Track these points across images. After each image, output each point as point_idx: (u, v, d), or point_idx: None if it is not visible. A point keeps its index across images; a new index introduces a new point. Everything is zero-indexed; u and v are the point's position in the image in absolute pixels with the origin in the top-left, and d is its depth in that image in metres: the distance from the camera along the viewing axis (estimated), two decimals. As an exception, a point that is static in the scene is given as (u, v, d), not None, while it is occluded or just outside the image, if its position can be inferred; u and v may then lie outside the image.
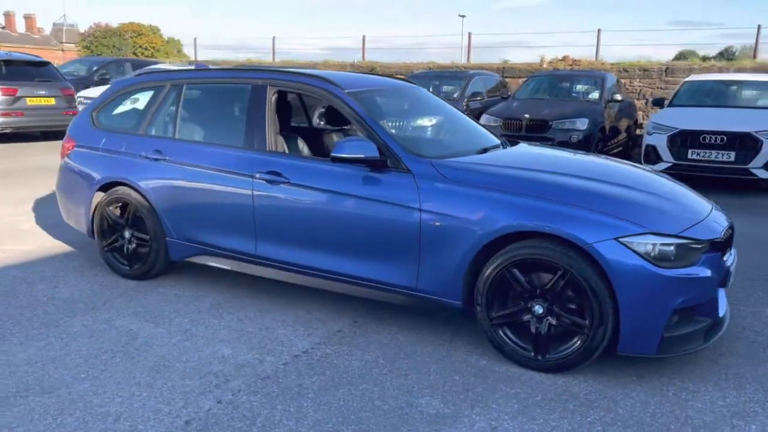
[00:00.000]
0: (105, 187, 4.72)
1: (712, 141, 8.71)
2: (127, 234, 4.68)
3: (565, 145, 9.61)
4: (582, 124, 9.93)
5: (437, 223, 3.46)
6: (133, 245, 4.66)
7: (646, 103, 14.17)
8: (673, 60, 17.60)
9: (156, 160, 4.46)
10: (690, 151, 8.85)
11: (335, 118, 4.77)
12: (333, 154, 3.66)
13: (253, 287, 4.55)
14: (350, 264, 3.81)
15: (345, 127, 5.10)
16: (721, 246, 3.33)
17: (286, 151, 4.25)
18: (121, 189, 4.62)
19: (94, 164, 4.77)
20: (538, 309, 3.29)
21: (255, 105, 4.19)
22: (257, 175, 4.01)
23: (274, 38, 22.36)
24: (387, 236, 3.63)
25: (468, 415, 2.92)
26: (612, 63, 15.47)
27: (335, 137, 5.12)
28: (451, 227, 3.43)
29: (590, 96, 11.39)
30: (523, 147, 4.50)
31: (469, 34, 18.25)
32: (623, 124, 11.96)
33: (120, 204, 4.67)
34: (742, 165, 8.57)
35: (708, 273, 3.19)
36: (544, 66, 15.67)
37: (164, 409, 2.93)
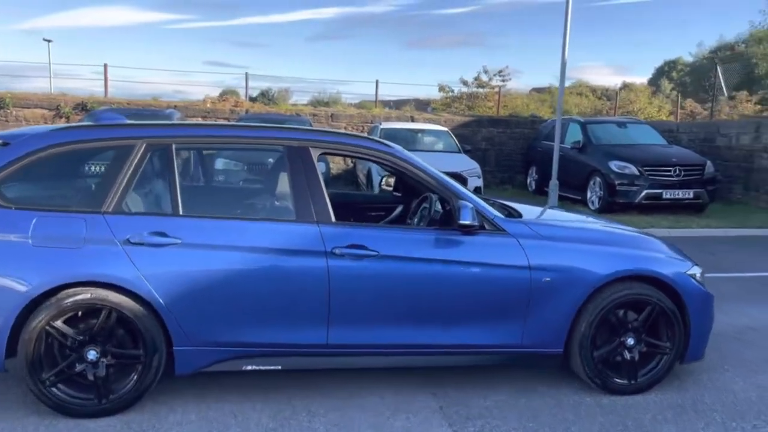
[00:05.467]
0: (47, 294, 3.19)
1: (433, 180, 10.41)
2: (91, 354, 3.27)
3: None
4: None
5: (547, 279, 3.68)
6: (103, 368, 3.28)
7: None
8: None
9: (158, 245, 3.28)
10: (417, 188, 10.38)
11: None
12: (462, 222, 3.48)
13: (276, 385, 3.78)
14: (449, 333, 3.65)
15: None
16: None
17: (353, 220, 3.72)
18: (85, 292, 3.21)
19: (20, 261, 3.17)
20: (630, 341, 3.85)
21: (301, 170, 3.55)
22: (336, 251, 3.43)
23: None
24: (494, 297, 3.65)
25: (666, 444, 3.31)
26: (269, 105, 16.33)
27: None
28: (561, 280, 3.69)
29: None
30: (529, 206, 4.77)
31: (105, 65, 16.52)
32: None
33: (78, 313, 3.24)
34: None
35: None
36: (209, 105, 15.52)
37: None
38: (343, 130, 4.56)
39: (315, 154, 3.64)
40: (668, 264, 3.91)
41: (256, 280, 3.38)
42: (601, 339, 3.85)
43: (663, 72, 43.73)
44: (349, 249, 3.46)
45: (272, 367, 3.54)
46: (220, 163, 6.05)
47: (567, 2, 10.59)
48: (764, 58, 21.73)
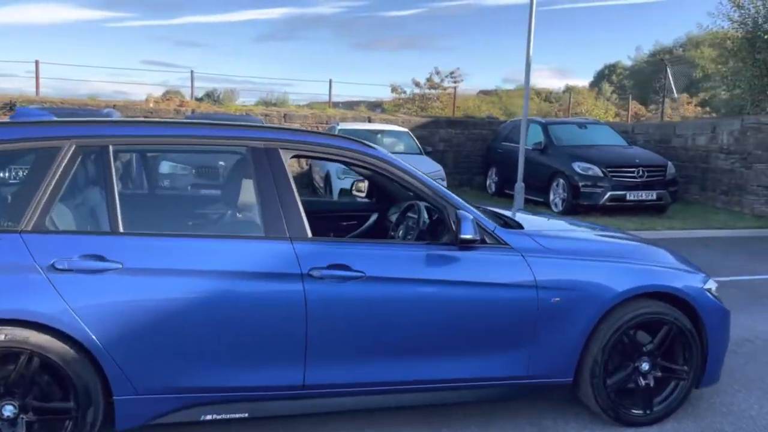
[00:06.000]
0: (-53, 335, 2.51)
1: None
2: (8, 410, 2.59)
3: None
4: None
5: (556, 299, 3.20)
6: (23, 426, 2.61)
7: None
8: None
9: (93, 271, 2.63)
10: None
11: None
12: (464, 237, 2.95)
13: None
14: (445, 366, 3.13)
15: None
16: None
17: (332, 234, 3.14)
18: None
19: None
20: (645, 366, 3.41)
21: (269, 176, 2.95)
22: (314, 273, 2.85)
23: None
24: (498, 322, 3.15)
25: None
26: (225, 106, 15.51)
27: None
28: (572, 300, 3.22)
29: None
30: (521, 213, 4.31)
31: (37, 61, 15.32)
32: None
33: (-11, 358, 2.57)
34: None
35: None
36: (151, 105, 14.58)
37: None
38: (312, 130, 3.92)
39: (286, 156, 3.05)
40: (683, 278, 3.49)
41: (215, 311, 2.77)
42: (613, 365, 3.40)
43: (603, 75, 44.62)
44: (330, 270, 2.89)
45: (237, 415, 2.92)
46: (166, 167, 5.30)
47: (531, 3, 10.24)
48: (709, 61, 22.16)
